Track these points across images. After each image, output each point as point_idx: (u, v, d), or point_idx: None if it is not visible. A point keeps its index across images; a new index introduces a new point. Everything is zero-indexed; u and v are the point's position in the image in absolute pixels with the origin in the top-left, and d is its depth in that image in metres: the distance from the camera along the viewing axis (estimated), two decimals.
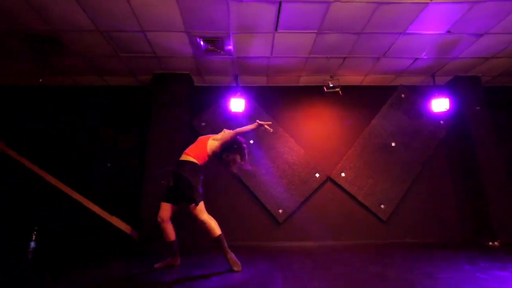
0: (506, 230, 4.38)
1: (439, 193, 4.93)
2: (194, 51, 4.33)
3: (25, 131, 4.99)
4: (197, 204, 2.46)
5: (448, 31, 3.93)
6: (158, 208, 4.43)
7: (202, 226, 2.50)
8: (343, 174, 4.93)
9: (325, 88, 4.35)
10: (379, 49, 4.33)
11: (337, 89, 4.29)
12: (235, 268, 2.42)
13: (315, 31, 3.89)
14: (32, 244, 4.16)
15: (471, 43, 4.19)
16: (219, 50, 4.31)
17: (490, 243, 4.36)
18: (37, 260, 3.23)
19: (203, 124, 5.14)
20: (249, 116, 5.15)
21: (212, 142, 2.72)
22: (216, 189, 4.88)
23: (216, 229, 2.49)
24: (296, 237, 4.68)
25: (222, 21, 3.68)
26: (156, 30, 3.83)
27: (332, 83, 4.32)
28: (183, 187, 2.52)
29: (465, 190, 4.92)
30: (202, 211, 2.50)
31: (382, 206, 4.79)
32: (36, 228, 4.27)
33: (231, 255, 2.47)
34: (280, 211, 4.74)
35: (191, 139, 5.03)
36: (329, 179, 4.96)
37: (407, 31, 3.93)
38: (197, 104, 5.25)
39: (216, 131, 5.05)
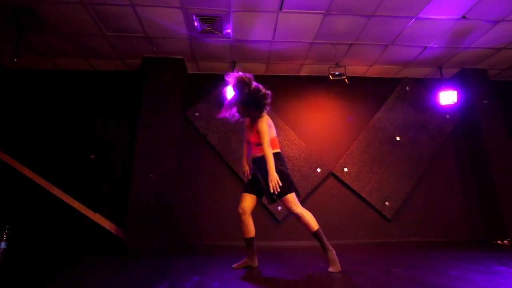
0: None
1: (448, 190, 4.70)
2: (189, 32, 3.95)
3: None
4: (284, 195, 2.18)
5: (464, 17, 3.68)
6: (146, 204, 4.07)
7: (299, 221, 2.20)
8: (346, 169, 4.64)
9: (330, 76, 4.04)
10: (388, 35, 4.06)
11: (344, 77, 3.98)
12: (332, 269, 2.10)
13: (323, 11, 3.57)
14: (3, 244, 3.70)
15: (486, 31, 3.96)
16: (217, 32, 3.94)
17: (499, 241, 4.15)
18: (8, 264, 2.79)
19: (197, 114, 4.76)
20: None
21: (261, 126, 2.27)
22: (209, 184, 4.53)
23: (314, 223, 2.17)
24: (296, 236, 4.35)
25: None
26: (147, 4, 3.43)
27: (338, 71, 4.01)
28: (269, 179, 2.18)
29: (474, 187, 4.71)
30: (295, 204, 2.20)
31: (387, 203, 4.53)
32: (8, 226, 3.82)
33: (332, 253, 2.14)
34: (279, 208, 4.40)
35: (185, 131, 4.77)
36: (332, 174, 4.66)
37: (420, 16, 3.67)
38: (190, 93, 4.87)
39: (210, 122, 4.77)
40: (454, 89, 4.65)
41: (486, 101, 4.76)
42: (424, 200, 4.63)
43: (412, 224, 4.53)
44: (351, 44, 4.26)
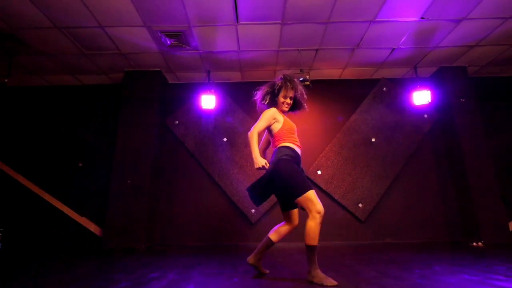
0: (491, 230, 4.09)
1: (424, 191, 4.66)
2: (159, 46, 4.20)
3: None
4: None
5: (422, 18, 3.67)
6: (123, 209, 4.36)
7: (309, 226, 1.98)
8: (319, 172, 4.72)
9: None
10: (351, 39, 4.10)
11: (307, 83, 4.07)
12: (328, 284, 1.91)
13: (279, 21, 3.69)
14: None
15: (450, 30, 3.91)
16: (184, 45, 4.17)
17: (474, 243, 4.08)
18: (2, 263, 3.15)
19: (177, 122, 5.02)
20: (225, 113, 5.01)
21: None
22: (184, 185, 4.77)
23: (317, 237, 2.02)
24: None
25: (179, 14, 3.53)
26: (114, 25, 3.71)
27: (301, 77, 4.11)
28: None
29: (451, 187, 4.63)
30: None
31: (360, 205, 4.56)
32: (1, 229, 4.26)
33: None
34: (253, 211, 4.57)
35: (164, 138, 5.05)
36: None
37: (377, 19, 3.69)
38: (171, 102, 5.15)
39: (190, 129, 5.02)
40: (428, 88, 4.60)
41: (463, 100, 4.65)
42: (399, 201, 4.62)
43: (386, 225, 4.53)
44: (317, 50, 4.34)
